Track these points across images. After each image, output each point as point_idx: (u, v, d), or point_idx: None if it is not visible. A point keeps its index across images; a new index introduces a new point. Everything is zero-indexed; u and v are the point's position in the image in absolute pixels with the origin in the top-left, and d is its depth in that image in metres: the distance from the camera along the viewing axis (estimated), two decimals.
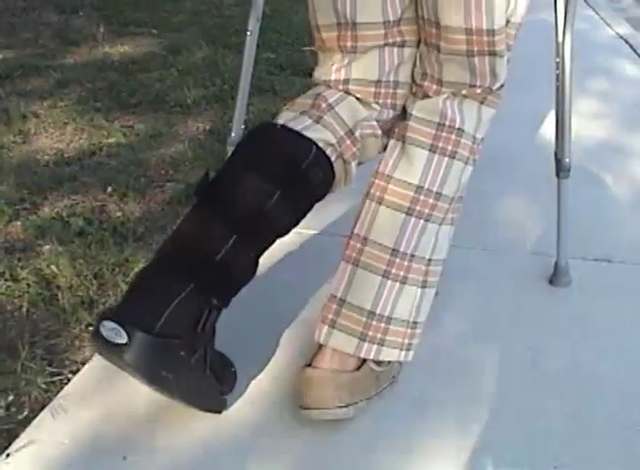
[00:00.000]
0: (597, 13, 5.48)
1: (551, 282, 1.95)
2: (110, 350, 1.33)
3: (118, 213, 2.34)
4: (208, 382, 1.42)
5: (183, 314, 1.37)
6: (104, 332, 1.33)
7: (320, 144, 1.47)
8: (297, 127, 1.47)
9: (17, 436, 1.44)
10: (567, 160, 1.85)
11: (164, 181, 2.57)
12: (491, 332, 1.76)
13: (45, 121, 3.11)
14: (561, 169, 1.86)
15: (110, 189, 2.48)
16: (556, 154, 1.87)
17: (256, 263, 1.46)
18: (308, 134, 1.46)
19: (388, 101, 1.55)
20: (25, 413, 1.53)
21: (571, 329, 1.77)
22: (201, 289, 1.38)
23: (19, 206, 2.38)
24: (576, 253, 2.04)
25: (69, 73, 3.75)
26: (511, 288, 1.94)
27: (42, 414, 1.50)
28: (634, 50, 4.36)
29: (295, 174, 1.46)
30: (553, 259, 1.96)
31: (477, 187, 2.48)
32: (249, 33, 1.84)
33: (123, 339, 1.31)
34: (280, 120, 1.50)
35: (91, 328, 1.78)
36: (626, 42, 4.58)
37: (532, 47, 3.37)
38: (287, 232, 1.50)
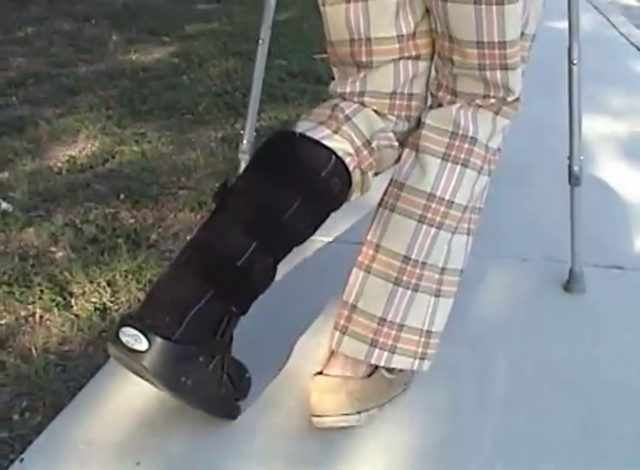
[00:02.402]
0: (599, 11, 5.48)
1: (566, 289, 1.95)
2: (129, 356, 1.33)
3: (131, 220, 2.35)
4: (225, 388, 1.43)
5: (203, 321, 1.37)
6: (123, 338, 1.34)
7: (339, 153, 1.47)
8: (316, 137, 1.47)
9: (31, 441, 1.45)
10: (576, 168, 1.85)
11: (177, 188, 2.58)
12: (506, 337, 1.76)
13: (58, 129, 3.13)
14: (573, 177, 1.86)
15: (122, 196, 2.50)
16: (569, 160, 1.87)
17: (275, 270, 1.47)
18: (327, 143, 1.47)
19: (403, 113, 1.55)
20: (39, 419, 1.53)
21: (584, 335, 1.77)
22: (220, 295, 1.39)
23: (32, 213, 2.39)
24: (589, 260, 2.04)
25: (82, 81, 3.78)
26: (525, 294, 1.94)
27: (56, 420, 1.50)
28: None
29: (314, 183, 1.46)
30: (568, 266, 1.95)
31: (491, 194, 2.49)
32: (260, 41, 1.85)
33: (143, 345, 1.32)
34: (298, 129, 1.50)
35: (105, 334, 1.78)
36: (632, 44, 4.57)
37: (551, 54, 3.37)
38: (305, 240, 1.50)
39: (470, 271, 2.01)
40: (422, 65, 1.53)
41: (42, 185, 2.59)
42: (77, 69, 4.04)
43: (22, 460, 1.39)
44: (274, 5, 1.82)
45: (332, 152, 1.47)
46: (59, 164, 2.78)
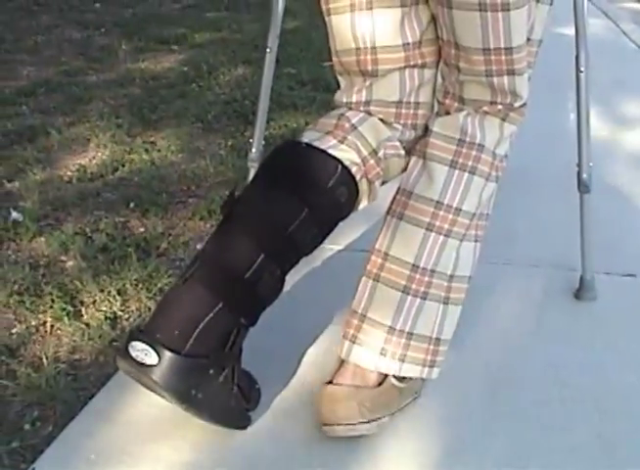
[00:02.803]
0: (609, 18, 5.48)
1: (577, 296, 1.94)
2: (139, 370, 1.34)
3: (141, 229, 2.36)
4: (236, 400, 1.43)
5: (212, 334, 1.37)
6: (133, 352, 1.34)
7: (346, 163, 1.47)
8: (323, 146, 1.47)
9: (42, 451, 1.45)
10: (584, 176, 1.85)
11: (186, 197, 2.59)
12: (516, 346, 1.75)
13: (68, 138, 3.14)
14: (582, 183, 1.86)
15: (132, 205, 2.50)
16: (578, 167, 1.86)
17: (283, 281, 1.47)
18: (334, 153, 1.47)
19: (410, 121, 1.55)
20: (50, 428, 1.54)
21: (595, 344, 1.76)
22: (229, 308, 1.38)
23: (42, 222, 2.40)
24: (600, 268, 2.03)
25: (92, 90, 3.79)
26: (536, 302, 1.93)
27: (67, 429, 1.50)
28: None
29: (321, 193, 1.46)
30: (578, 274, 1.95)
31: (501, 201, 2.48)
32: (268, 50, 1.85)
33: (153, 359, 1.32)
34: (304, 139, 1.50)
35: (115, 343, 1.79)
36: None
37: (559, 61, 3.37)
38: (313, 250, 1.50)
39: (480, 278, 2.01)
40: (428, 73, 1.53)
41: (52, 194, 2.60)
42: (87, 77, 4.05)
43: None
44: (282, 14, 1.83)
45: (338, 161, 1.47)
46: (69, 173, 2.79)
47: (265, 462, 1.42)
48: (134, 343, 1.34)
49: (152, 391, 1.41)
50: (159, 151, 3.00)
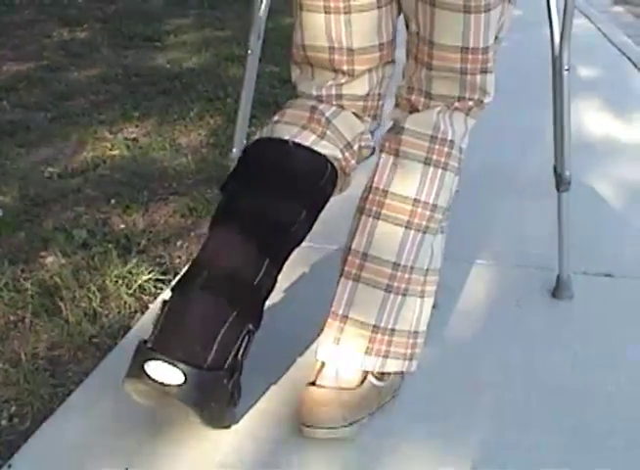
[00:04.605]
0: (593, 23, 5.52)
1: (554, 296, 1.96)
2: (164, 391, 1.29)
3: (122, 226, 2.35)
4: (233, 402, 1.42)
5: (228, 343, 1.35)
6: (152, 373, 1.29)
7: (331, 160, 1.49)
8: (307, 143, 1.47)
9: (19, 447, 1.44)
10: (567, 173, 1.85)
11: (168, 194, 2.58)
12: (493, 345, 1.76)
13: (49, 133, 3.12)
14: (560, 183, 1.87)
15: (113, 201, 2.50)
16: (555, 167, 1.88)
17: (277, 280, 1.46)
18: (320, 151, 1.47)
19: (373, 112, 1.58)
20: (28, 424, 1.53)
21: (572, 343, 1.78)
22: (242, 316, 1.37)
23: (22, 217, 2.39)
24: (578, 267, 2.05)
25: (73, 86, 3.77)
26: (514, 301, 1.94)
27: (45, 425, 1.50)
28: (633, 63, 4.38)
29: (315, 192, 1.47)
30: (555, 273, 1.96)
31: (479, 201, 2.50)
32: (249, 52, 1.83)
33: (179, 379, 1.28)
34: (285, 136, 1.49)
35: (94, 340, 1.78)
36: (624, 54, 4.60)
37: (534, 61, 3.39)
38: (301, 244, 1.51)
39: (459, 278, 2.03)
40: (393, 67, 1.57)
41: (33, 190, 2.58)
42: (69, 73, 4.03)
43: (9, 466, 1.39)
44: (265, 16, 1.81)
45: (326, 159, 1.48)
46: (49, 169, 2.77)
47: (245, 460, 1.42)
48: (151, 362, 1.29)
49: (168, 408, 1.38)
50: (140, 148, 2.99)
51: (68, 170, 2.76)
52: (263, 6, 1.78)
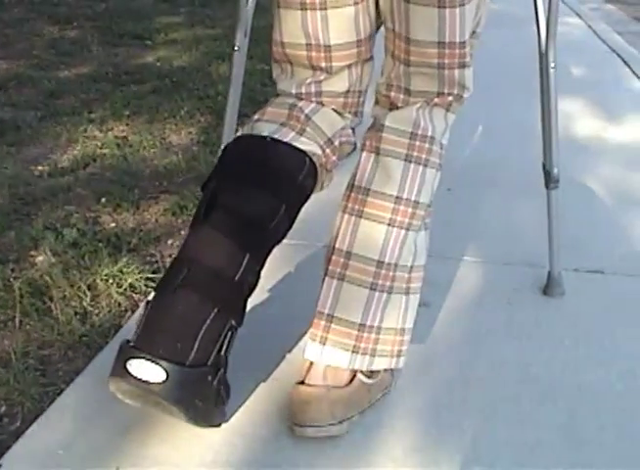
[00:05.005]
0: (585, 21, 5.53)
1: (545, 293, 1.96)
2: (146, 389, 1.29)
3: (112, 225, 2.34)
4: (221, 400, 1.42)
5: (210, 340, 1.35)
6: (134, 371, 1.29)
7: (310, 155, 1.48)
8: (286, 140, 1.47)
9: (9, 447, 1.44)
10: (555, 170, 1.86)
11: (158, 193, 2.58)
12: (485, 342, 1.77)
13: (39, 132, 3.11)
14: (549, 181, 1.87)
15: (103, 200, 2.49)
16: (544, 165, 1.88)
17: (260, 276, 1.46)
18: (299, 146, 1.47)
19: (354, 109, 1.58)
20: (18, 424, 1.53)
21: (564, 339, 1.78)
22: (223, 312, 1.37)
23: (12, 216, 2.38)
24: (570, 264, 2.05)
25: (63, 84, 3.76)
26: (505, 298, 1.95)
27: (35, 425, 1.49)
28: (624, 61, 4.39)
29: (295, 187, 1.47)
30: (546, 270, 1.96)
31: (471, 198, 2.51)
32: (236, 48, 1.83)
33: (160, 376, 1.28)
34: (264, 132, 1.49)
35: (85, 339, 1.78)
36: (614, 51, 4.61)
37: (525, 58, 3.39)
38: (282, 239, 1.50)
39: (449, 276, 2.03)
40: (371, 64, 1.56)
41: (23, 189, 2.57)
42: (59, 72, 4.02)
43: (0, 466, 1.38)
44: (252, 13, 1.81)
45: (305, 154, 1.48)
46: (40, 168, 2.76)
47: (235, 459, 1.42)
48: (134, 361, 1.29)
49: (154, 407, 1.37)
50: (130, 146, 2.98)
51: (59, 169, 2.75)
52: (250, 3, 1.78)
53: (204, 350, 1.34)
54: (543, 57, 1.78)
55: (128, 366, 1.30)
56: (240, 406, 1.54)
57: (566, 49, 4.56)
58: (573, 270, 2.06)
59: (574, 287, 1.98)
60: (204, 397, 1.35)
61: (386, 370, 1.54)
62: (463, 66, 1.49)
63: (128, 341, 1.35)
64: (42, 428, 1.48)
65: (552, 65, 1.77)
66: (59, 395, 1.58)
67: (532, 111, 3.01)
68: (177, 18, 5.42)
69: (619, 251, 2.20)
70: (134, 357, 1.30)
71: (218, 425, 1.46)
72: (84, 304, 1.90)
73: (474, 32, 1.50)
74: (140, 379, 1.29)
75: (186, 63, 4.18)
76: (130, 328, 1.75)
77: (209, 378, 1.35)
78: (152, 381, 1.29)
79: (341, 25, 1.46)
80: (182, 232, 2.30)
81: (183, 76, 3.92)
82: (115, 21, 5.18)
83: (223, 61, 4.19)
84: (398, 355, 1.51)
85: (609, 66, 4.36)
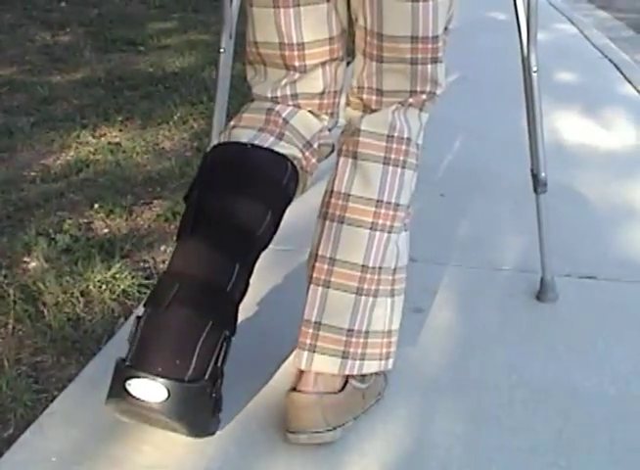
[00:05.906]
0: (577, 27, 5.55)
1: (538, 298, 1.96)
2: (148, 409, 1.29)
3: (105, 230, 2.34)
4: (217, 410, 1.41)
5: (207, 353, 1.35)
6: (134, 391, 1.28)
7: (290, 159, 1.49)
8: (266, 145, 1.47)
9: (2, 454, 1.43)
10: (542, 175, 1.86)
11: (151, 198, 2.57)
12: (478, 347, 1.77)
13: (32, 138, 3.11)
14: (537, 185, 1.87)
15: (96, 206, 2.48)
16: (532, 169, 1.88)
17: (249, 283, 1.46)
18: (280, 151, 1.47)
19: (330, 110, 1.58)
20: (11, 431, 1.52)
21: (557, 345, 1.78)
22: (218, 324, 1.37)
23: (5, 222, 2.37)
24: (562, 270, 2.06)
25: (56, 90, 3.76)
26: (498, 304, 1.95)
27: (28, 432, 1.49)
28: (616, 66, 4.41)
29: (279, 192, 1.47)
30: (539, 276, 1.97)
31: (461, 205, 2.51)
32: (222, 50, 1.84)
33: (162, 395, 1.28)
34: (243, 139, 1.48)
35: (77, 345, 1.77)
36: (605, 57, 4.63)
37: (514, 62, 3.40)
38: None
39: (442, 281, 2.03)
40: (344, 64, 1.57)
41: (15, 194, 2.57)
42: (52, 77, 4.02)
43: None
44: (236, 16, 1.82)
45: (286, 159, 1.48)
46: (32, 174, 2.76)
47: (229, 465, 1.41)
48: (133, 381, 1.28)
49: (154, 424, 1.37)
50: (124, 152, 2.98)
51: (51, 175, 2.75)
52: (234, 5, 1.79)
53: (201, 364, 1.34)
54: (525, 61, 1.78)
55: (128, 386, 1.29)
56: (234, 413, 1.53)
57: (558, 55, 4.58)
58: (566, 276, 2.07)
59: (567, 292, 1.98)
60: (204, 409, 1.35)
61: (377, 374, 1.54)
62: (435, 61, 1.49)
63: (124, 359, 1.34)
64: (35, 435, 1.48)
65: (534, 68, 1.77)
66: (52, 401, 1.58)
67: (521, 116, 3.02)
68: (170, 23, 5.42)
69: (612, 256, 2.20)
70: (133, 377, 1.29)
71: (213, 433, 1.46)
72: (77, 310, 1.90)
73: (446, 28, 1.50)
74: (141, 399, 1.29)
75: (179, 68, 4.18)
76: (124, 335, 1.75)
77: (208, 390, 1.35)
78: (153, 400, 1.28)
79: (313, 22, 1.47)
80: (175, 238, 2.29)
81: (176, 82, 3.92)
82: (108, 26, 5.17)
83: (216, 66, 4.18)
84: (387, 358, 1.51)
85: (601, 71, 4.37)
